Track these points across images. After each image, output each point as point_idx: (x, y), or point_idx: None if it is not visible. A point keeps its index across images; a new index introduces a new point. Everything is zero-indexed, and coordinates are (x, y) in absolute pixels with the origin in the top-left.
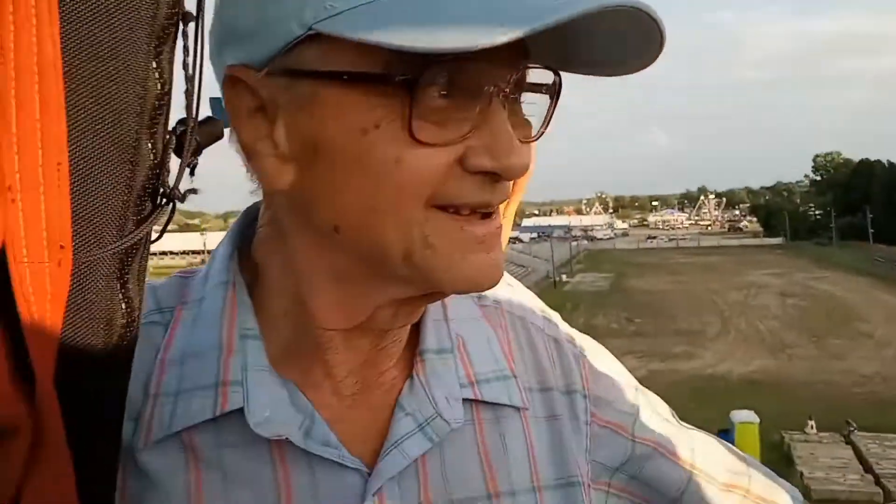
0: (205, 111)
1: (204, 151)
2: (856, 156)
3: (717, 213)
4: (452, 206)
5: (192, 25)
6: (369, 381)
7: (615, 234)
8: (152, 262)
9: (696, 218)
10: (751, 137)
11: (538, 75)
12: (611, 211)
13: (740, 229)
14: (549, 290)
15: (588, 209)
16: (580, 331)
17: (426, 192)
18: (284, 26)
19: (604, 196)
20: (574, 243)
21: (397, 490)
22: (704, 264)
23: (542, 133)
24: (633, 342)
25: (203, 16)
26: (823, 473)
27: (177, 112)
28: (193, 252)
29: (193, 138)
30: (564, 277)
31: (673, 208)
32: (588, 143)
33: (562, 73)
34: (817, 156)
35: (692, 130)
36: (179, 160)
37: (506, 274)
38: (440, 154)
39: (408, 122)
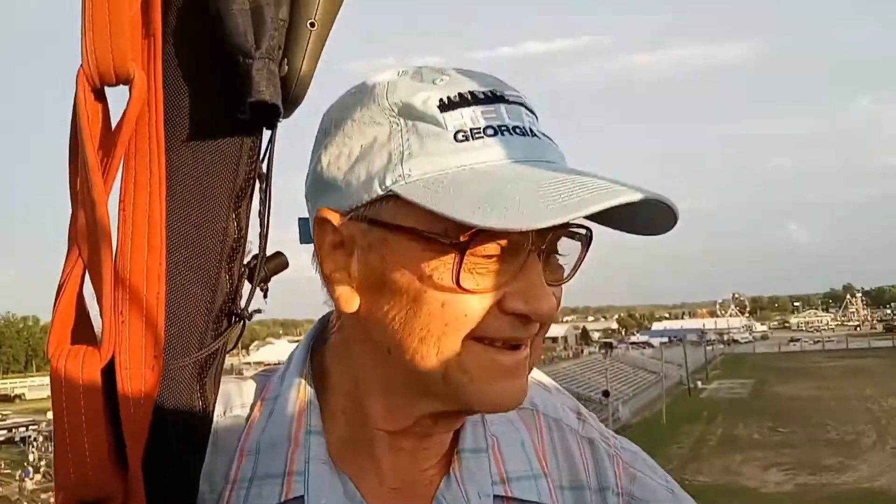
0: (273, 247)
1: None
2: None
3: (865, 312)
4: (487, 338)
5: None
6: (412, 476)
7: (754, 337)
8: None
9: (843, 318)
10: None
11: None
12: (748, 313)
13: (894, 328)
14: (682, 397)
15: (723, 311)
16: (718, 442)
17: (467, 328)
18: (369, 185)
19: (740, 297)
20: (709, 347)
21: None
22: (855, 368)
23: (572, 276)
24: (778, 454)
25: (271, 179)
26: None
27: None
28: None
29: (262, 269)
30: (700, 384)
31: (816, 308)
32: (721, 242)
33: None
34: None
35: (833, 224)
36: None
37: (544, 378)
38: (482, 299)
39: (456, 275)
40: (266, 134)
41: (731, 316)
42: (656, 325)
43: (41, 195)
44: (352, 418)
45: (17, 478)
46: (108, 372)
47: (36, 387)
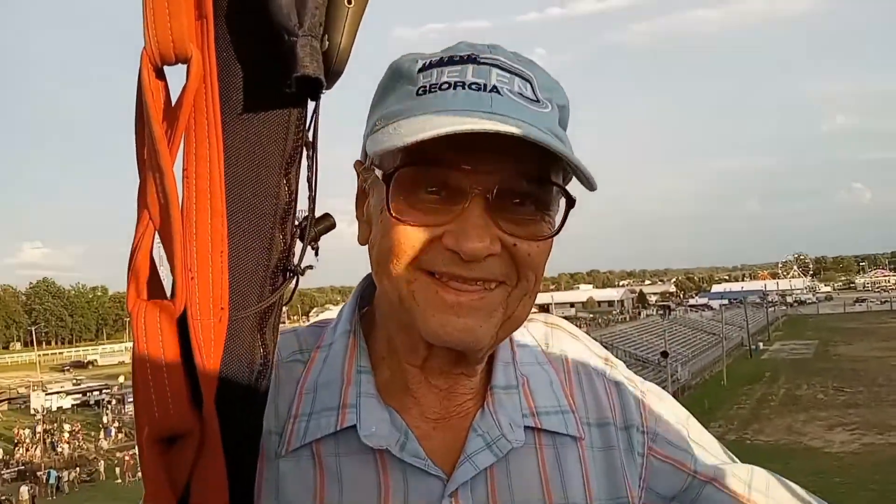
0: (321, 208)
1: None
2: None
3: None
4: (437, 273)
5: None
6: (449, 410)
7: (817, 298)
8: None
9: None
10: None
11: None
12: (811, 273)
13: None
14: (743, 358)
15: (785, 272)
16: (781, 402)
17: (408, 257)
18: (366, 138)
19: (803, 257)
20: (771, 309)
21: (469, 493)
22: None
23: (557, 233)
24: (843, 414)
25: (317, 145)
26: None
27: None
28: None
29: (312, 230)
30: (762, 345)
31: (883, 267)
32: (782, 202)
33: None
34: None
35: None
36: (302, 245)
37: (574, 329)
38: (421, 232)
39: (385, 202)
40: (311, 105)
41: (793, 277)
42: (716, 287)
43: (104, 181)
44: (392, 361)
45: (95, 438)
46: (181, 323)
47: (107, 353)
